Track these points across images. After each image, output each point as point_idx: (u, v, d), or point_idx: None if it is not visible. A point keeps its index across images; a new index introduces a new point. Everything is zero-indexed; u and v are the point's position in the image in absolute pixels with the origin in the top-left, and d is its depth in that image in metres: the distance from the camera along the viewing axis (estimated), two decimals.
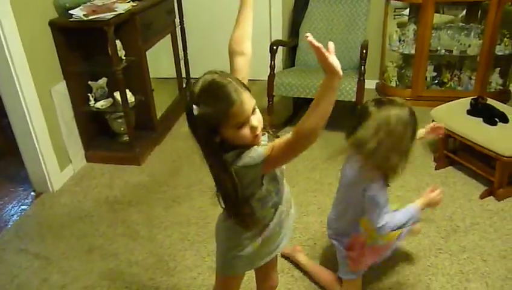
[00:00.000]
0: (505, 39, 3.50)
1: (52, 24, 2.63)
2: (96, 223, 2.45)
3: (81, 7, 2.65)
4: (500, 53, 3.49)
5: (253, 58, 4.13)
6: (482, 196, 2.50)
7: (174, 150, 3.16)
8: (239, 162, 1.17)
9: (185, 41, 3.84)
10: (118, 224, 2.44)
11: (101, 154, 3.03)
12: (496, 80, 3.63)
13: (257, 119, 1.19)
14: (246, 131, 1.17)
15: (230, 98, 1.14)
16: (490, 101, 2.65)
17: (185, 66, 3.92)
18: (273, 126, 3.28)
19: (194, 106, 1.14)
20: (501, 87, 3.64)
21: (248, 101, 1.18)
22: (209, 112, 1.13)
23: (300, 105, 3.66)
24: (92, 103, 2.92)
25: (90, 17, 2.55)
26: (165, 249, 2.25)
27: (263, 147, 1.19)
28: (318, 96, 1.09)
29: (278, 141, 1.17)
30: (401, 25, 3.73)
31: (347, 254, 1.81)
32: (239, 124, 1.15)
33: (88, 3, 2.73)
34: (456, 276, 2.00)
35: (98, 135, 3.14)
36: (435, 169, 2.76)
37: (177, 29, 3.66)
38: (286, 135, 1.15)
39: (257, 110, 1.22)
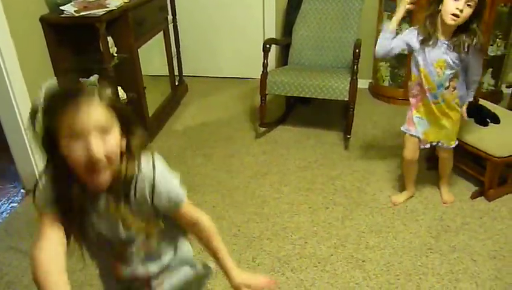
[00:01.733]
0: (497, 40, 3.52)
1: (42, 20, 2.60)
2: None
3: (72, 3, 2.63)
4: (492, 54, 3.51)
5: (246, 57, 4.20)
6: (473, 196, 2.52)
7: (165, 147, 3.14)
8: None
9: (178, 39, 3.82)
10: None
11: None
12: (488, 80, 3.65)
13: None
14: None
15: None
16: (482, 102, 2.66)
17: (178, 64, 3.90)
18: (266, 125, 3.29)
19: None
20: (493, 88, 3.66)
21: None
22: None
23: (293, 104, 3.66)
24: None
25: (82, 13, 2.52)
26: None
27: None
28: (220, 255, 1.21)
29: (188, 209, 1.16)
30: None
31: None
32: None
33: None
34: (446, 276, 2.01)
35: None
36: (427, 169, 2.77)
37: (169, 26, 3.64)
38: (194, 214, 1.19)
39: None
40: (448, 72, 2.03)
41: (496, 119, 2.49)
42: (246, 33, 4.12)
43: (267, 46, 3.10)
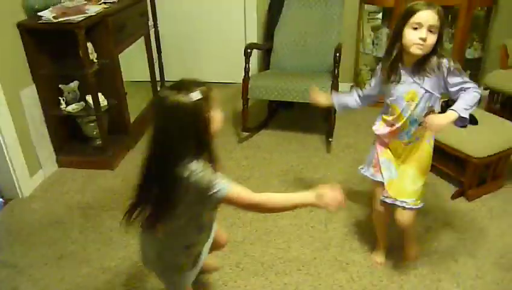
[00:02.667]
0: (475, 43, 3.60)
1: (20, 26, 2.56)
2: (67, 229, 2.40)
3: (50, 9, 2.60)
4: (470, 56, 3.58)
5: (228, 62, 4.18)
6: (454, 197, 2.55)
7: None
8: (195, 176, 1.25)
9: (159, 44, 3.81)
10: (90, 230, 2.39)
11: (72, 159, 2.96)
12: None
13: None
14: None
15: None
16: None
17: (159, 69, 3.89)
18: (249, 129, 3.29)
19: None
20: None
21: None
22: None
23: (276, 108, 3.67)
24: (63, 106, 2.86)
25: (60, 19, 2.50)
26: (139, 255, 2.20)
27: (227, 185, 1.31)
28: (293, 202, 1.43)
29: (243, 193, 1.35)
30: (374, 29, 3.78)
31: None
32: None
33: (58, 5, 2.68)
34: (428, 276, 2.03)
35: (69, 139, 3.07)
36: None
37: (151, 31, 3.62)
38: (251, 194, 1.36)
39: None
40: (420, 105, 1.72)
41: (474, 121, 2.53)
42: (227, 38, 4.12)
43: (249, 50, 3.11)
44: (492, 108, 3.27)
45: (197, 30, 4.16)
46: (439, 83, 1.69)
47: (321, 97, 2.06)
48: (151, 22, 3.64)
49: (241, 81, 3.11)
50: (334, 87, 2.95)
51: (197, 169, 1.25)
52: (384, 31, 3.65)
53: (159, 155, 1.30)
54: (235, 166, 2.95)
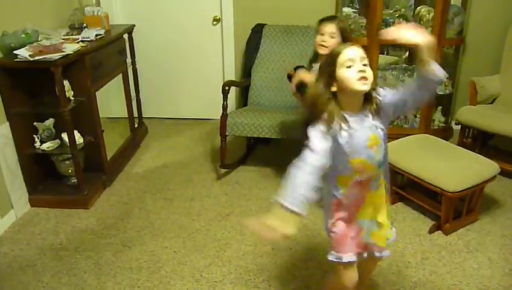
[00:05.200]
0: (445, 80, 3.72)
1: None
2: (39, 273, 2.30)
3: (27, 47, 2.58)
4: (441, 92, 3.69)
5: (206, 98, 4.21)
6: (431, 231, 2.58)
7: (124, 192, 3.07)
8: None
9: (137, 81, 3.81)
10: (63, 273, 2.30)
11: (46, 198, 2.89)
12: (438, 117, 3.82)
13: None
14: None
15: None
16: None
17: (137, 106, 3.88)
18: (227, 166, 3.28)
19: None
20: (443, 125, 3.83)
21: None
22: None
23: (254, 144, 3.69)
24: (37, 144, 2.81)
25: (37, 58, 2.49)
26: None
27: None
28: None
29: None
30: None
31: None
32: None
33: (35, 44, 2.67)
34: None
35: (44, 177, 3.00)
36: None
37: (129, 69, 3.64)
38: None
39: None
40: (383, 146, 1.57)
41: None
42: (205, 75, 4.17)
43: (226, 88, 3.14)
44: (465, 142, 3.35)
45: (175, 67, 4.19)
46: (382, 114, 1.53)
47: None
48: (129, 60, 3.66)
49: (219, 117, 3.13)
50: None
51: None
52: None
53: None
54: (214, 203, 2.92)
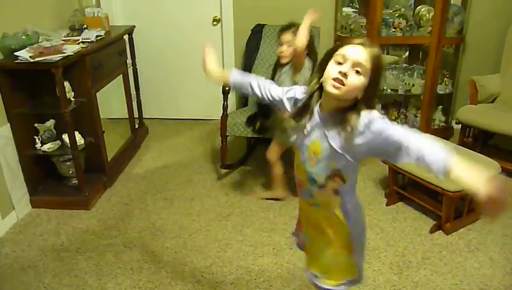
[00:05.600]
0: (445, 79, 3.72)
1: None
2: (40, 274, 2.31)
3: (27, 49, 2.58)
4: (441, 92, 3.69)
5: (206, 98, 4.22)
6: (431, 231, 2.58)
7: (125, 192, 3.07)
8: None
9: (138, 82, 3.82)
10: (64, 274, 2.31)
11: (47, 199, 2.89)
12: (439, 117, 3.82)
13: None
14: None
15: None
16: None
17: (138, 106, 3.88)
18: (227, 166, 3.28)
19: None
20: (444, 124, 3.83)
21: None
22: None
23: (254, 144, 3.69)
24: (38, 145, 2.81)
25: (37, 59, 2.49)
26: None
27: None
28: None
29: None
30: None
31: None
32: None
33: (35, 45, 2.67)
34: None
35: (44, 178, 3.00)
36: (386, 205, 2.83)
37: (129, 69, 3.64)
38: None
39: None
40: (322, 163, 1.33)
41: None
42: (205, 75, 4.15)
43: (227, 88, 3.13)
44: (465, 142, 3.35)
45: (175, 68, 4.19)
46: (360, 145, 1.24)
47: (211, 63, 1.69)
48: (129, 60, 3.66)
49: (219, 118, 3.13)
50: None
51: None
52: None
53: None
54: (214, 204, 2.92)
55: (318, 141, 1.32)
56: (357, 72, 1.23)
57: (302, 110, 1.36)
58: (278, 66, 2.64)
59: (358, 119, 1.22)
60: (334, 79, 1.23)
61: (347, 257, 1.46)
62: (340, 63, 1.24)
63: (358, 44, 1.25)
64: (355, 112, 1.24)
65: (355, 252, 1.47)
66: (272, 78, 2.60)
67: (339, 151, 1.28)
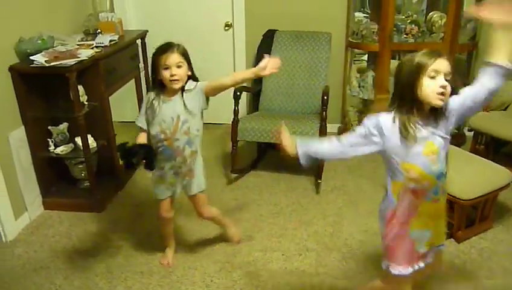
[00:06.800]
0: (458, 85, 3.69)
1: (12, 69, 2.59)
2: (52, 275, 2.34)
3: (43, 53, 2.62)
4: None
5: (218, 104, 4.22)
6: None
7: (136, 195, 3.09)
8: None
9: (149, 86, 3.84)
10: (75, 275, 2.33)
11: (59, 201, 2.92)
12: None
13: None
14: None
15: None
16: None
17: None
18: (238, 171, 3.29)
19: None
20: (456, 131, 3.80)
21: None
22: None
23: (265, 149, 3.69)
24: (51, 148, 2.85)
25: (52, 64, 2.52)
26: None
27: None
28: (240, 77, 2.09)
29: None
30: (360, 71, 3.88)
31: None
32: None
33: (50, 49, 2.71)
34: None
35: (57, 181, 3.04)
36: None
37: (141, 73, 3.67)
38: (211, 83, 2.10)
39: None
40: (441, 155, 1.53)
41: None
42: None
43: (238, 93, 3.15)
44: (477, 149, 3.33)
45: None
46: (454, 120, 1.53)
47: (287, 140, 1.76)
48: (141, 64, 3.69)
49: (230, 122, 3.14)
50: (322, 130, 2.99)
51: None
52: (370, 74, 3.74)
53: None
54: (224, 208, 2.91)
55: (429, 141, 1.50)
56: (447, 80, 1.45)
57: (406, 131, 1.49)
58: (161, 93, 2.10)
59: (448, 106, 1.49)
60: (439, 93, 1.43)
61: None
62: (433, 77, 1.44)
63: (440, 56, 1.46)
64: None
65: None
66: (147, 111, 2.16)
67: (447, 136, 1.52)
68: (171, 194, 2.27)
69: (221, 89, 2.11)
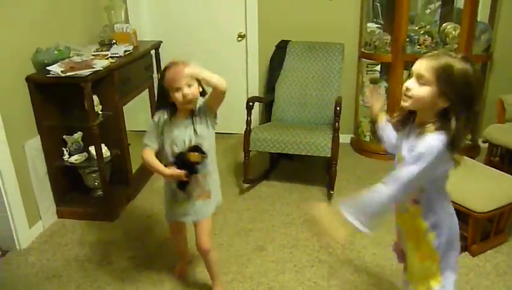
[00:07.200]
0: None
1: (29, 80, 2.63)
2: (64, 284, 2.35)
3: (59, 63, 2.67)
4: None
5: (230, 114, 4.25)
6: None
7: (149, 205, 3.11)
8: None
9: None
10: (87, 284, 2.34)
11: (73, 210, 2.95)
12: None
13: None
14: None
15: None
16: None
17: None
18: (250, 180, 3.29)
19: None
20: (470, 143, 3.76)
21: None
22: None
23: (277, 159, 3.69)
24: (66, 157, 2.88)
25: (68, 74, 2.56)
26: None
27: None
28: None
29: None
30: (373, 81, 3.87)
31: None
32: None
33: (67, 60, 2.75)
34: None
35: (71, 189, 3.07)
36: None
37: (155, 83, 3.70)
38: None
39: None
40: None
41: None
42: (229, 90, 4.10)
43: (250, 103, 3.16)
44: (492, 161, 3.28)
45: None
46: None
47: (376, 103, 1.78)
48: (155, 74, 3.73)
49: (242, 132, 3.15)
50: (335, 140, 2.98)
51: None
52: (383, 85, 3.73)
53: None
54: (236, 218, 2.93)
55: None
56: (420, 83, 1.34)
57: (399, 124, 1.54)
58: (172, 116, 1.97)
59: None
60: (403, 94, 1.39)
61: (431, 265, 1.53)
62: (411, 78, 1.38)
63: (425, 57, 1.36)
64: (427, 126, 1.40)
65: (440, 262, 1.54)
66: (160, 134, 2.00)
67: (406, 154, 1.49)
68: (182, 220, 2.11)
69: (216, 93, 1.96)
